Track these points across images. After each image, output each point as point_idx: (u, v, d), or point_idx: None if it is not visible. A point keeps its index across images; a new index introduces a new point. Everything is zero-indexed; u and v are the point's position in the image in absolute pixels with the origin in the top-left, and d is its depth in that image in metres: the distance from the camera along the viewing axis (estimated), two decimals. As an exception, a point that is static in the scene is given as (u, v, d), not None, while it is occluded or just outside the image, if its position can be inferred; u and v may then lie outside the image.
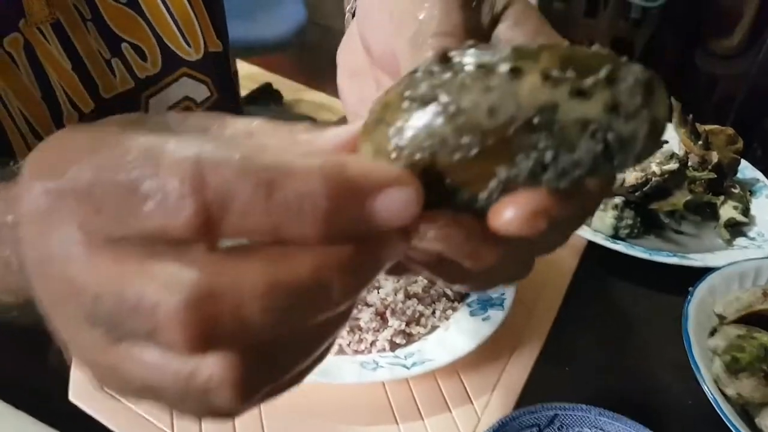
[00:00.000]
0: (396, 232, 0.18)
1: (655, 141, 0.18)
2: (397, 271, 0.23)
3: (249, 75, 2.68)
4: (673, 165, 0.63)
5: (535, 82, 0.17)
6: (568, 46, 0.19)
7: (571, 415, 0.44)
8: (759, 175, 0.78)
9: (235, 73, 1.84)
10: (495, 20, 0.30)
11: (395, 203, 0.18)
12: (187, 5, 0.63)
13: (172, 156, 0.16)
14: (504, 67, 0.18)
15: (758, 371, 0.46)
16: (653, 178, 0.63)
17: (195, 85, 0.66)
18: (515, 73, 0.17)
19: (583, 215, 0.25)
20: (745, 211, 0.70)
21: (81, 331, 0.19)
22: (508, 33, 0.29)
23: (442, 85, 0.18)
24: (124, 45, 0.59)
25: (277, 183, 0.16)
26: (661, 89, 0.18)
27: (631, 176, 0.63)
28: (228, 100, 0.72)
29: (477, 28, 0.28)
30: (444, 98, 0.18)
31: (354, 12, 0.36)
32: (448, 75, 0.18)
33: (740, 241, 0.68)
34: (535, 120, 0.17)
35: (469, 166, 0.18)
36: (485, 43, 0.24)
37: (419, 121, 0.18)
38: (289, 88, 2.84)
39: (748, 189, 0.76)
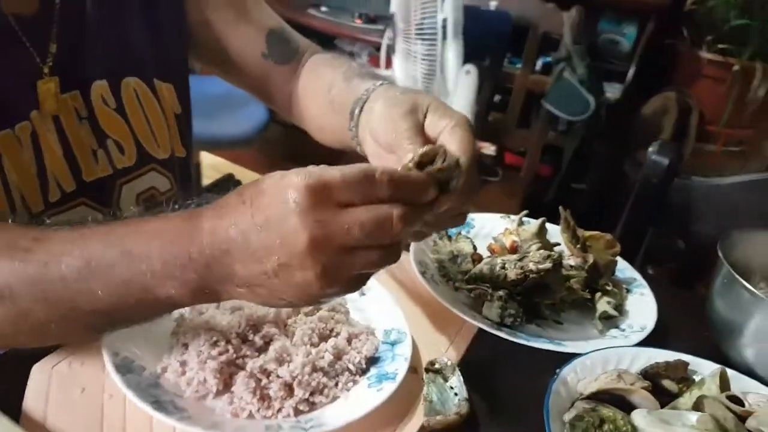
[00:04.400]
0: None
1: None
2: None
3: (213, 165, 2.83)
4: (548, 264, 0.75)
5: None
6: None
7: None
8: (636, 275, 0.91)
9: (198, 164, 2.12)
10: (425, 116, 0.60)
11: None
12: (162, 119, 0.78)
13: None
14: None
15: (593, 438, 0.56)
16: (530, 275, 0.75)
17: (160, 178, 0.79)
18: None
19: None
20: (618, 306, 0.82)
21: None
22: (431, 124, 0.59)
23: None
24: (108, 140, 0.72)
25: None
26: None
27: (512, 272, 0.75)
28: (186, 192, 0.85)
29: (418, 126, 0.59)
30: None
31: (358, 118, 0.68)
32: None
33: (613, 332, 0.79)
34: None
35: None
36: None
37: None
38: (250, 179, 2.97)
39: (626, 287, 0.88)
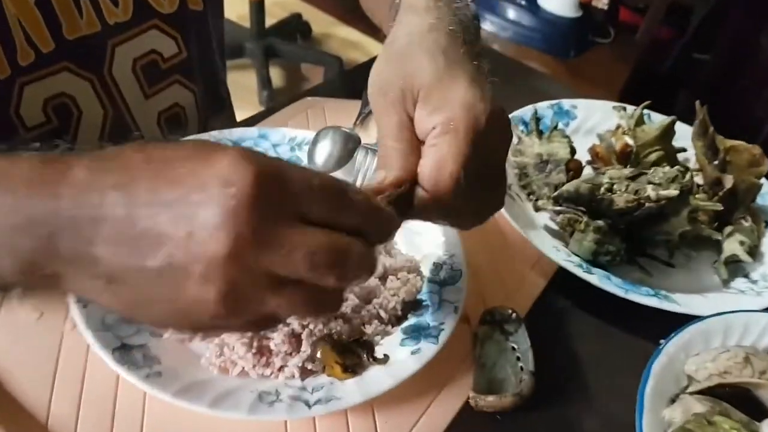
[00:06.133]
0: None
1: None
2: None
3: (279, 2, 2.57)
4: (673, 191, 0.55)
5: None
6: None
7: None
8: (782, 204, 0.69)
9: (261, 2, 1.88)
10: (414, 104, 0.42)
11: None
12: None
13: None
14: None
15: (705, 465, 0.40)
16: (647, 204, 0.55)
17: (164, 39, 0.65)
18: None
19: None
20: (753, 249, 0.61)
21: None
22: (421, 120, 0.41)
23: None
24: None
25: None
26: None
27: (621, 199, 0.55)
28: (201, 60, 0.70)
29: (404, 122, 0.42)
30: None
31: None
32: None
33: (739, 282, 0.61)
34: None
35: None
36: None
37: None
38: (320, 21, 2.73)
39: (766, 220, 0.67)
